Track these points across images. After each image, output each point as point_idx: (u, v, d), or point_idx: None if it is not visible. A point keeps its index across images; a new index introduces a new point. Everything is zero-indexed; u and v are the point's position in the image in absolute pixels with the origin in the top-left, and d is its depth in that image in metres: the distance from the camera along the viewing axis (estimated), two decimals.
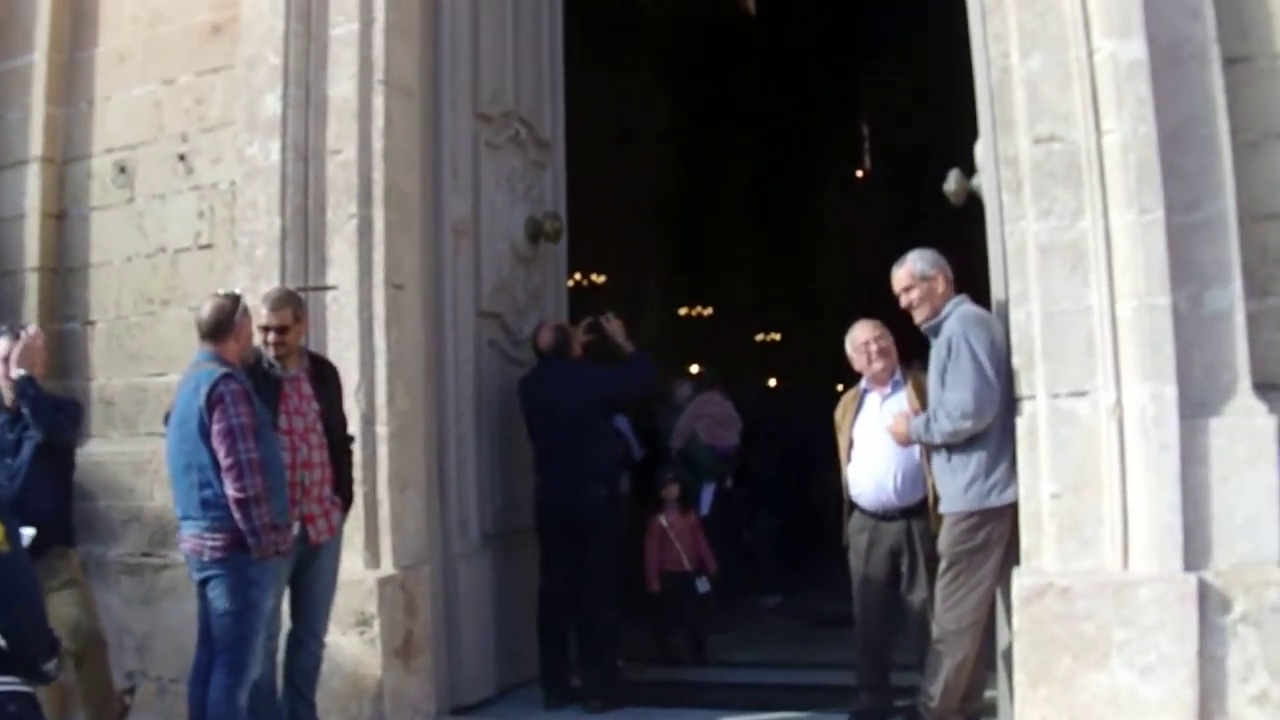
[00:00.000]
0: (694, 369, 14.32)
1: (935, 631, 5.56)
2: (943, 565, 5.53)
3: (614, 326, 7.19)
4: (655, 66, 16.04)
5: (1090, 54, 5.17)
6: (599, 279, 15.19)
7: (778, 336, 20.16)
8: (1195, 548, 4.92)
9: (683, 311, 18.27)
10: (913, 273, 5.72)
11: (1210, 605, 4.84)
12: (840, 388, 6.83)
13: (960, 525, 5.45)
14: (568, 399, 6.83)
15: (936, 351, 5.61)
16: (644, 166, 16.55)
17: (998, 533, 5.38)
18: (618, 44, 14.60)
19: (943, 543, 5.54)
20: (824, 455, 6.64)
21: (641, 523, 8.35)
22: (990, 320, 5.57)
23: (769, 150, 19.84)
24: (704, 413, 10.00)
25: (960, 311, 5.61)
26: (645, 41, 15.73)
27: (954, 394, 5.43)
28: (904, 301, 5.76)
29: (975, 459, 5.41)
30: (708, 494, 9.53)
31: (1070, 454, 5.13)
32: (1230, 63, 5.18)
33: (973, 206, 5.97)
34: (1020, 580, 5.16)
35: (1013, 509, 5.32)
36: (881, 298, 6.14)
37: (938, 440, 5.51)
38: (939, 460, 5.58)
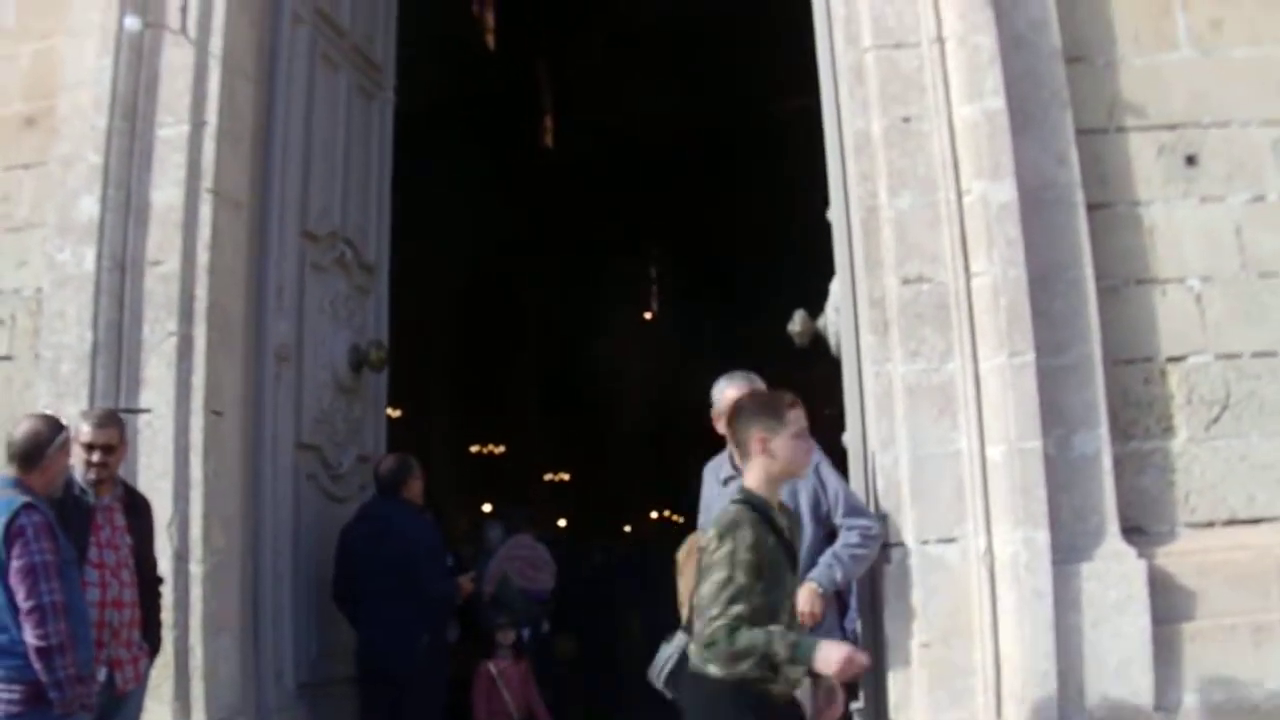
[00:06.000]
0: (486, 508, 13.97)
1: None
2: None
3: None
4: (462, 195, 15.85)
5: (959, 195, 5.20)
6: (393, 413, 14.71)
7: (567, 476, 19.95)
8: (1069, 694, 4.88)
9: (474, 449, 17.91)
10: None
11: None
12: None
13: None
14: (399, 536, 6.41)
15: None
16: (440, 299, 16.28)
17: None
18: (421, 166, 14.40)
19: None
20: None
21: (470, 668, 7.91)
22: None
23: (562, 290, 19.85)
24: (516, 555, 9.65)
25: None
26: (449, 166, 15.58)
27: (855, 518, 5.03)
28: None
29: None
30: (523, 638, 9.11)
31: (940, 602, 5.05)
32: (1091, 209, 5.27)
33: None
34: None
35: None
36: (664, 437, 5.83)
37: (852, 569, 4.99)
38: None
